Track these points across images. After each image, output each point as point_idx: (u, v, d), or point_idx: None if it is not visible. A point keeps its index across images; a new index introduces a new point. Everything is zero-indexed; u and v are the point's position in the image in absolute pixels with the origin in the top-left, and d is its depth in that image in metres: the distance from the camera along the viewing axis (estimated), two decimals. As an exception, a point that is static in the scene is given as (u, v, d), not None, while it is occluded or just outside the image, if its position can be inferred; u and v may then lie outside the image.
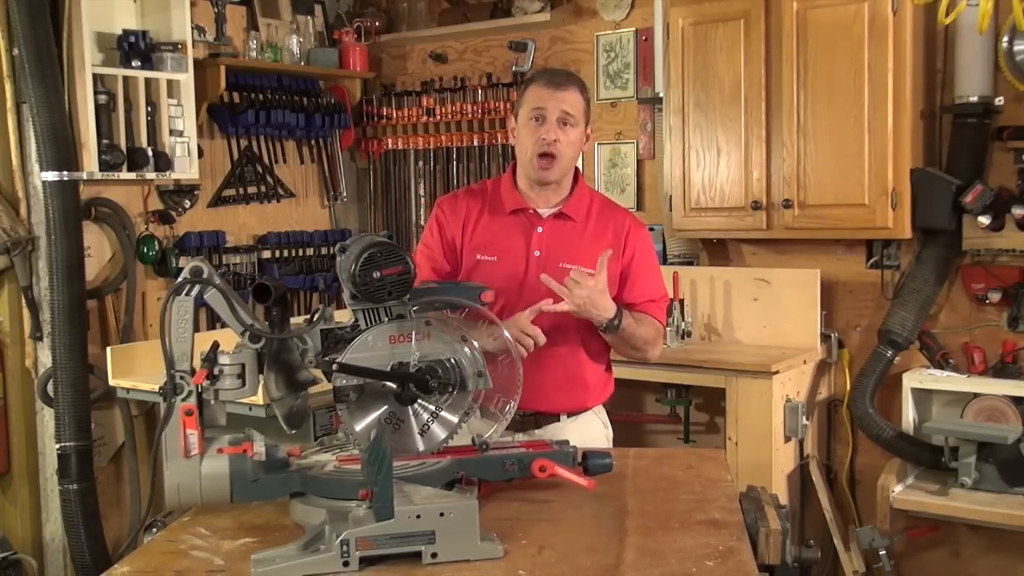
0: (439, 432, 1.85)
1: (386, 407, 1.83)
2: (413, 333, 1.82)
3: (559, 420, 2.52)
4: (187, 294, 1.76)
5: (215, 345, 1.78)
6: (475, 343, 1.86)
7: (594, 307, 2.31)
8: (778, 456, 3.61)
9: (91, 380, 3.83)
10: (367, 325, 1.83)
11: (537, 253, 2.47)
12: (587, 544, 1.68)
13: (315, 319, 1.84)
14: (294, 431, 1.85)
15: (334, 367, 1.78)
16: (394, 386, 1.82)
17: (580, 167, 2.65)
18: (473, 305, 1.96)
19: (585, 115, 2.49)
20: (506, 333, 2.00)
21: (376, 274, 1.78)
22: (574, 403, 2.55)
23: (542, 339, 2.26)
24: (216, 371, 1.76)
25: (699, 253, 4.33)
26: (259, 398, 3.29)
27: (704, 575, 1.55)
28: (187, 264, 1.79)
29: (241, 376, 1.78)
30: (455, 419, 1.85)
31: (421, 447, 1.85)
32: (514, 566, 1.58)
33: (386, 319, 1.83)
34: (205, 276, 1.76)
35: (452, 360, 1.84)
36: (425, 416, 1.85)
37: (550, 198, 2.53)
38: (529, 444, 1.99)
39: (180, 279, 1.76)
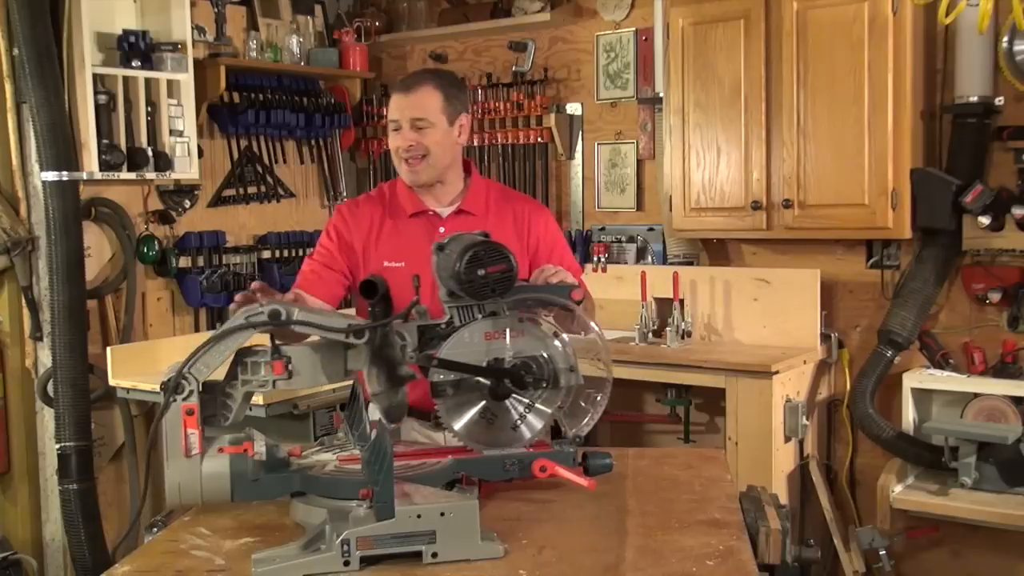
0: (536, 423, 1.89)
1: (483, 402, 1.87)
2: (508, 330, 1.86)
3: None
4: (256, 330, 1.77)
5: (272, 339, 1.81)
6: (566, 339, 1.89)
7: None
8: (778, 456, 3.61)
9: (91, 380, 3.83)
10: (462, 322, 1.86)
11: None
12: (587, 544, 1.68)
13: (407, 314, 1.85)
14: (394, 425, 1.87)
15: (433, 362, 1.81)
16: (489, 382, 1.85)
17: (475, 161, 2.63)
18: (564, 303, 1.98)
19: (444, 110, 2.45)
20: (594, 326, 2.00)
21: (480, 272, 1.82)
22: None
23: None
24: (289, 367, 1.79)
25: (699, 253, 4.33)
26: (260, 398, 3.32)
27: (704, 575, 1.55)
28: (265, 305, 1.79)
29: (288, 369, 1.81)
30: (549, 411, 1.90)
31: (520, 440, 1.88)
32: (515, 566, 1.58)
33: (480, 316, 1.86)
34: (284, 319, 1.77)
35: (545, 356, 1.87)
36: (520, 410, 1.89)
37: (443, 197, 2.52)
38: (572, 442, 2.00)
39: (257, 315, 1.76)
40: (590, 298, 2.59)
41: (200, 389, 1.75)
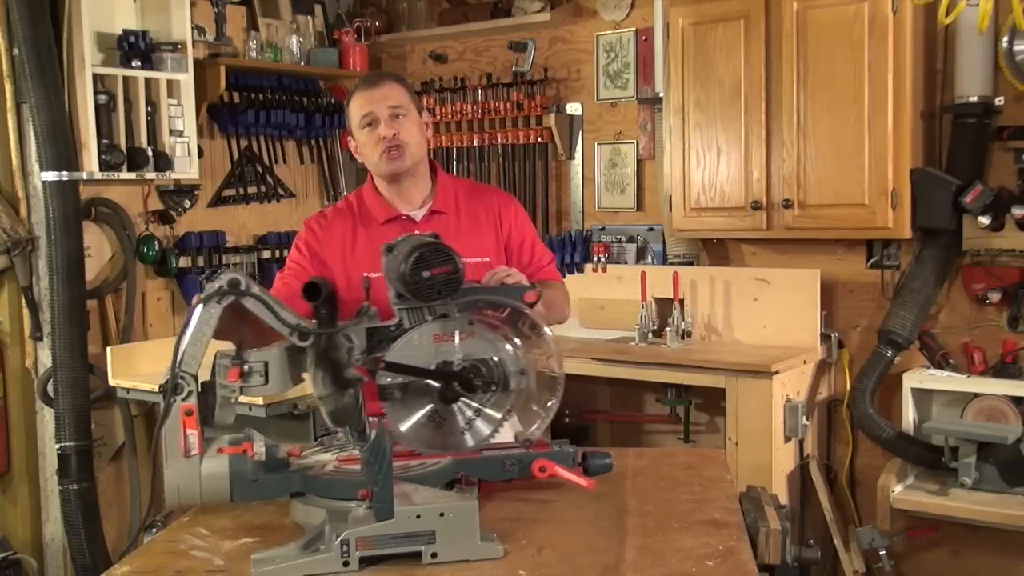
0: (483, 428, 1.87)
1: (430, 405, 1.85)
2: (457, 332, 1.84)
3: None
4: (218, 303, 1.76)
5: (237, 345, 1.79)
6: (517, 342, 1.87)
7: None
8: (778, 456, 3.61)
9: (91, 380, 3.83)
10: (411, 324, 1.85)
11: None
12: (587, 544, 1.68)
13: (358, 317, 1.84)
14: (339, 429, 1.86)
15: (381, 365, 1.80)
16: (438, 384, 1.83)
17: (443, 159, 2.63)
18: (516, 305, 1.96)
19: (414, 103, 2.46)
20: (546, 328, 1.98)
21: (426, 273, 1.80)
22: None
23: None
24: (246, 368, 1.76)
25: (699, 253, 4.33)
26: (260, 399, 3.32)
27: (704, 575, 1.55)
28: (224, 275, 1.77)
29: (265, 374, 1.78)
30: (498, 416, 1.87)
31: (467, 444, 1.87)
32: (514, 566, 1.58)
33: (429, 318, 1.85)
34: (243, 288, 1.76)
35: (495, 359, 1.85)
36: (468, 414, 1.87)
37: (413, 197, 2.50)
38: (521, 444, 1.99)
39: (216, 288, 1.75)
40: (562, 287, 2.59)
41: (199, 389, 1.75)
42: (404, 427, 1.85)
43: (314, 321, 1.81)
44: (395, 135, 2.40)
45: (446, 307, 1.85)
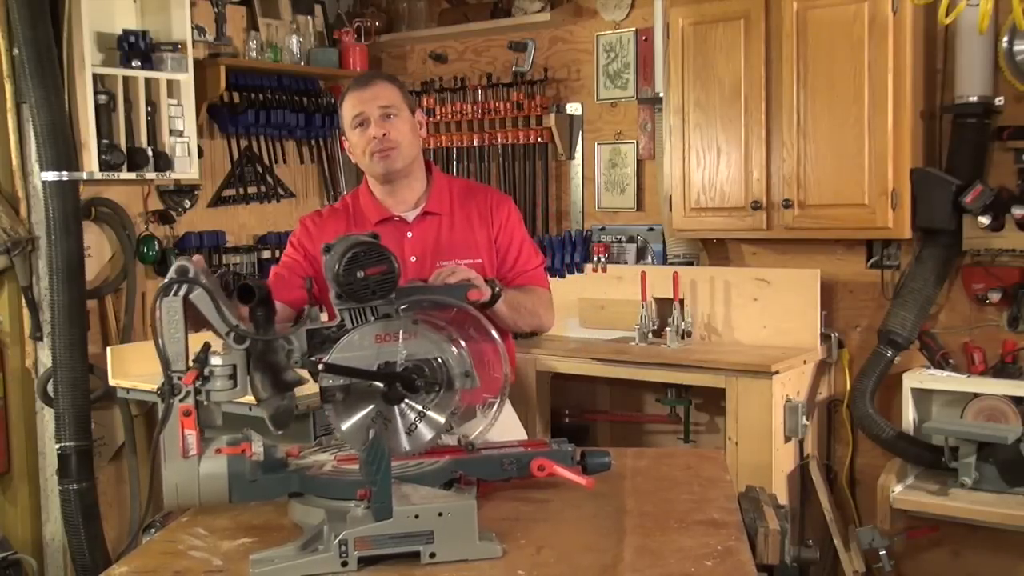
0: (426, 432, 1.85)
1: (373, 406, 1.83)
2: (400, 332, 1.82)
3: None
4: (175, 294, 1.75)
5: (206, 346, 1.78)
6: (462, 342, 1.86)
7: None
8: (778, 456, 3.61)
9: (91, 380, 3.83)
10: (353, 324, 1.83)
11: (413, 259, 2.44)
12: (586, 544, 1.68)
13: (300, 319, 1.84)
14: (280, 432, 1.85)
15: (320, 367, 1.78)
16: (381, 385, 1.81)
17: (443, 160, 2.63)
18: (459, 304, 1.95)
19: (406, 102, 2.46)
20: (493, 331, 1.96)
21: (360, 273, 1.79)
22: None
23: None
24: (207, 372, 1.75)
25: (699, 253, 4.33)
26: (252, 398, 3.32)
27: (703, 575, 1.55)
28: (174, 263, 1.77)
29: (233, 377, 1.77)
30: (442, 419, 1.85)
31: (407, 447, 1.85)
32: (513, 566, 1.58)
33: (372, 318, 1.83)
34: (191, 275, 1.75)
35: (439, 359, 1.83)
36: (412, 416, 1.84)
37: (407, 198, 2.50)
38: (528, 443, 1.99)
39: (167, 279, 1.76)
40: (544, 293, 2.55)
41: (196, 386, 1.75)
42: (345, 426, 1.83)
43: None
44: (385, 135, 2.40)
45: (389, 307, 1.83)
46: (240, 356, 1.78)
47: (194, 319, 1.79)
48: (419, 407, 1.84)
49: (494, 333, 1.96)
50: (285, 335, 1.81)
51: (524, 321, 2.46)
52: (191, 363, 1.75)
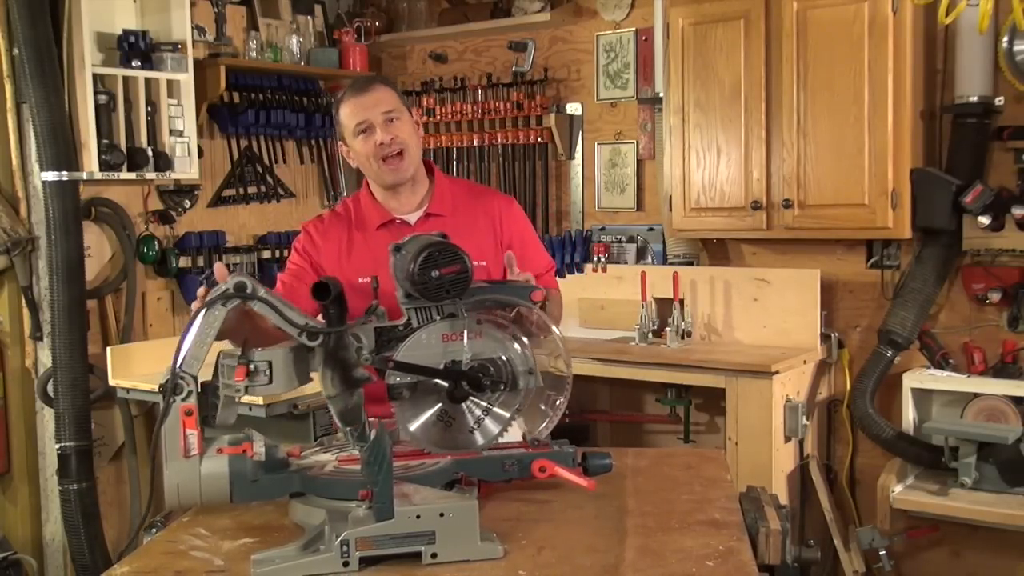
0: (492, 427, 1.87)
1: (439, 405, 1.85)
2: (465, 331, 1.84)
3: None
4: (224, 305, 1.76)
5: (244, 344, 1.79)
6: (526, 341, 1.87)
7: None
8: (778, 456, 3.61)
9: (91, 380, 3.83)
10: (419, 324, 1.85)
11: None
12: (587, 544, 1.68)
13: (367, 316, 1.84)
14: (348, 428, 1.86)
15: (389, 365, 1.80)
16: (447, 384, 1.83)
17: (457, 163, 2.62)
18: (524, 304, 1.96)
19: (404, 104, 2.46)
20: (555, 328, 1.98)
21: (435, 273, 1.80)
22: None
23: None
24: (252, 368, 1.76)
25: (699, 253, 4.33)
26: (260, 399, 3.32)
27: (704, 575, 1.55)
28: (232, 278, 1.77)
29: (269, 374, 1.78)
30: (507, 415, 1.87)
31: (476, 443, 1.87)
32: (514, 566, 1.58)
33: (438, 318, 1.85)
34: (249, 291, 1.76)
35: (503, 358, 1.85)
36: (477, 413, 1.87)
37: (410, 200, 2.50)
38: (528, 444, 1.99)
39: (222, 291, 1.75)
40: (557, 295, 2.56)
41: (199, 389, 1.75)
42: (413, 427, 1.86)
43: (323, 320, 1.81)
44: (392, 139, 2.39)
45: (454, 306, 1.85)
46: (279, 354, 1.79)
47: (221, 330, 1.79)
48: (484, 405, 1.86)
49: (556, 329, 1.97)
50: (355, 332, 1.82)
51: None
52: (237, 361, 1.76)
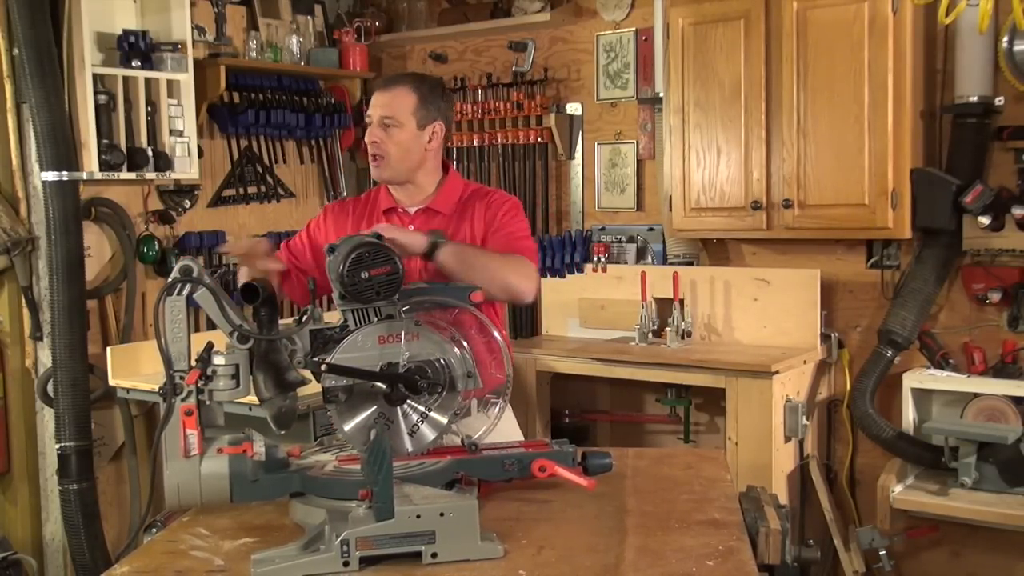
0: (428, 433, 1.85)
1: (375, 407, 1.83)
2: (402, 333, 1.82)
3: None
4: (178, 293, 1.75)
5: (209, 345, 1.78)
6: (465, 343, 1.86)
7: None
8: (778, 456, 3.61)
9: (91, 380, 3.83)
10: (356, 325, 1.83)
11: None
12: (587, 544, 1.68)
13: (304, 320, 1.84)
14: (282, 432, 1.85)
15: (323, 368, 1.78)
16: (384, 386, 1.81)
17: (452, 163, 2.61)
18: (462, 305, 1.95)
19: (416, 113, 2.43)
20: (495, 332, 1.97)
21: (364, 274, 1.79)
22: None
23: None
24: (209, 371, 1.75)
25: (699, 253, 4.33)
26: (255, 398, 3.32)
27: (704, 575, 1.55)
28: (177, 263, 1.78)
29: (235, 376, 1.77)
30: (444, 420, 1.85)
31: (410, 448, 1.85)
32: (514, 566, 1.58)
33: (375, 319, 1.83)
34: (195, 275, 1.76)
35: (442, 360, 1.83)
36: (414, 417, 1.85)
37: (414, 196, 2.53)
38: (528, 444, 1.99)
39: (171, 278, 1.76)
40: (522, 262, 2.37)
41: (198, 386, 1.75)
42: (347, 427, 1.83)
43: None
44: (374, 143, 2.44)
45: (392, 308, 1.83)
46: (243, 356, 1.78)
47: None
48: (421, 408, 1.84)
49: (496, 333, 1.96)
50: (288, 335, 1.81)
51: (480, 277, 2.18)
52: (194, 363, 1.75)
